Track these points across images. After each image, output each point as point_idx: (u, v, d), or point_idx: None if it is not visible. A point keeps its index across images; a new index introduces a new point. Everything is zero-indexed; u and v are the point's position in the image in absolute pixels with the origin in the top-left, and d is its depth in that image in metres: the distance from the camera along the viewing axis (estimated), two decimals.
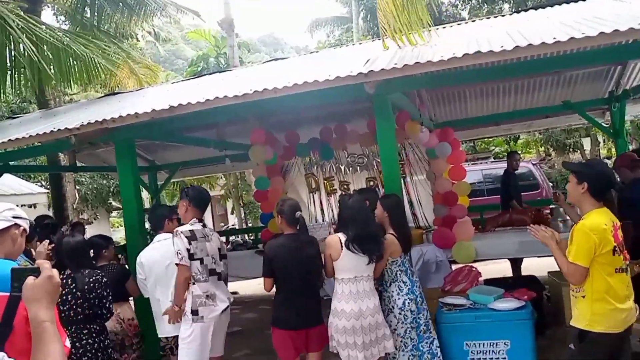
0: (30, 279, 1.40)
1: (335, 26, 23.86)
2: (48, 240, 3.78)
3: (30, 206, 13.07)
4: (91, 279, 3.40)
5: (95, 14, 9.08)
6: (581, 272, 2.66)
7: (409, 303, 3.50)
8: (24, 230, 2.03)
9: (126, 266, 4.32)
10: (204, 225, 3.76)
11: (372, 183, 7.06)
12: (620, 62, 6.18)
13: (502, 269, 7.16)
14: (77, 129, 4.01)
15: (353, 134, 6.41)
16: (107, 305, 3.46)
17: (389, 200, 3.70)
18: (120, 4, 9.15)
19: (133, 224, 4.53)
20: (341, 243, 3.35)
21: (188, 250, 3.53)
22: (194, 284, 3.59)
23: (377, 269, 3.48)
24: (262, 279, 3.54)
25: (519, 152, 19.96)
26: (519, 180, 7.38)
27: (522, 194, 7.34)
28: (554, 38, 3.05)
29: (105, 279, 3.50)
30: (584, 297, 2.71)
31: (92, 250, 3.98)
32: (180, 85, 6.55)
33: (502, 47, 3.14)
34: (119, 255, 5.22)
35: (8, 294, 1.60)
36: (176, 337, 3.69)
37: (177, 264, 3.54)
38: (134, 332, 4.02)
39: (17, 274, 1.45)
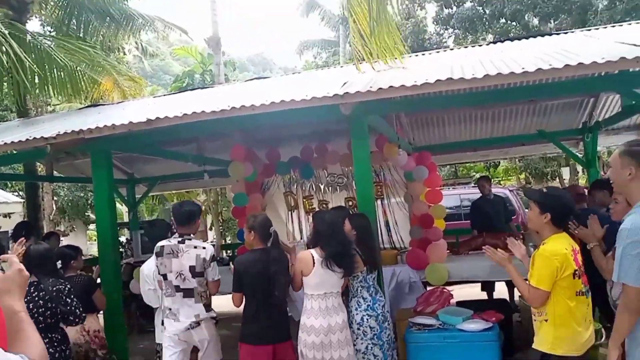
0: None
1: (322, 49, 24.25)
2: (24, 239, 3.75)
3: (5, 216, 12.86)
4: (54, 288, 3.36)
5: (82, 26, 9.12)
6: (542, 296, 2.73)
7: (367, 319, 3.53)
8: None
9: (95, 278, 4.29)
10: (183, 241, 3.71)
11: (350, 203, 7.10)
12: (592, 94, 6.41)
13: (477, 293, 7.22)
14: (54, 138, 4.01)
15: (334, 154, 6.48)
16: (74, 311, 3.39)
17: (358, 220, 3.76)
18: (108, 17, 9.22)
19: (106, 235, 4.49)
20: (313, 260, 3.38)
21: (157, 266, 3.71)
22: (163, 296, 3.71)
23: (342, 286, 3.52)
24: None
25: (499, 178, 20.41)
26: (496, 206, 7.47)
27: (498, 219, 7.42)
28: (522, 68, 3.18)
29: (69, 287, 3.46)
30: (546, 320, 2.77)
31: (60, 261, 3.94)
32: (161, 99, 6.58)
33: (472, 74, 3.26)
34: (93, 267, 5.18)
35: None
36: None
37: None
38: (99, 344, 3.97)
39: None
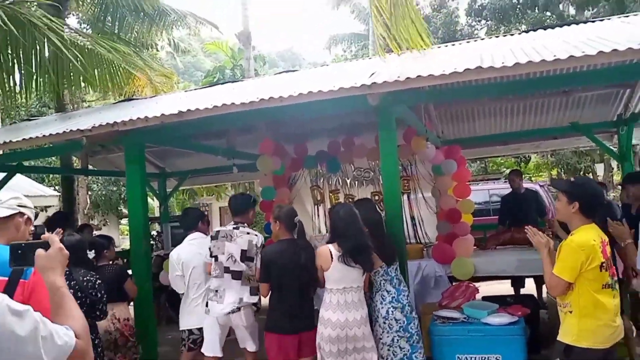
0: (40, 251, 1.48)
1: (352, 42, 24.11)
2: (61, 230, 3.89)
3: (42, 209, 13.32)
4: (85, 279, 3.42)
5: (117, 22, 9.34)
6: (562, 285, 2.70)
7: (392, 311, 3.53)
8: (28, 219, 2.11)
9: (125, 267, 4.44)
10: (237, 227, 3.98)
11: (377, 197, 7.09)
12: (629, 85, 6.21)
13: (506, 289, 7.11)
14: (89, 130, 4.13)
15: (361, 147, 6.47)
16: (100, 307, 3.45)
17: (367, 214, 3.69)
18: (142, 13, 9.40)
19: (138, 227, 4.58)
20: (331, 254, 3.40)
21: (209, 248, 3.95)
22: (211, 279, 3.93)
23: (364, 281, 3.53)
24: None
25: (530, 174, 19.98)
26: (527, 201, 7.31)
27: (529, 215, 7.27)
28: (554, 55, 3.10)
29: (99, 281, 3.51)
30: (571, 312, 2.73)
31: (94, 250, 4.07)
32: (193, 93, 6.70)
33: (502, 63, 3.21)
34: (124, 260, 5.32)
35: (7, 278, 1.68)
36: (191, 331, 4.13)
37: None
38: (129, 333, 4.08)
39: (26, 247, 1.51)
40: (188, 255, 4.22)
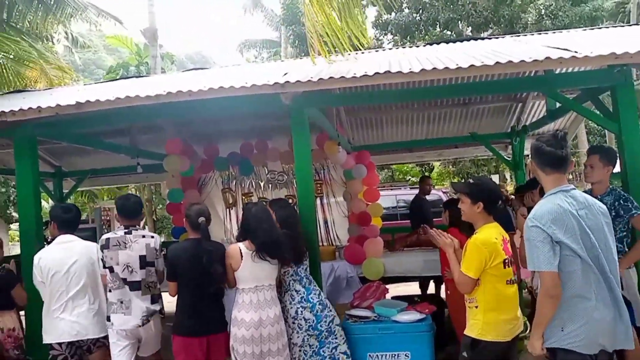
0: None
1: (264, 49, 24.07)
2: None
3: None
4: None
5: (5, 9, 8.53)
6: (470, 282, 2.83)
7: (301, 311, 3.54)
8: None
9: (13, 272, 3.97)
10: (129, 232, 3.62)
11: (290, 201, 7.08)
12: (520, 100, 6.79)
13: (412, 290, 7.41)
14: None
15: (274, 150, 6.44)
16: None
17: (279, 211, 3.71)
18: (35, 1, 8.67)
19: (30, 228, 4.21)
20: (241, 253, 3.35)
21: (102, 259, 3.57)
22: (110, 291, 3.54)
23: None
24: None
25: (433, 182, 21.14)
26: (433, 205, 7.75)
27: (433, 219, 7.70)
28: (457, 64, 3.30)
29: None
30: (476, 307, 2.86)
31: None
32: (93, 86, 6.27)
33: (410, 69, 3.35)
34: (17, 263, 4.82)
35: None
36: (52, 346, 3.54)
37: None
38: (13, 345, 3.71)
39: None
40: (50, 261, 3.62)
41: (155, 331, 3.66)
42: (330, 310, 3.70)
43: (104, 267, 3.55)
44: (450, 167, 19.32)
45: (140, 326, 3.50)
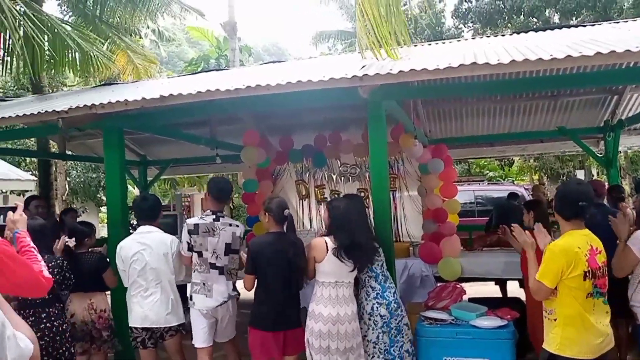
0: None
1: (338, 40, 23.94)
2: (22, 204, 3.69)
3: (19, 194, 12.95)
4: (51, 264, 3.28)
5: (98, 6, 9.04)
6: (545, 290, 2.63)
7: (377, 307, 3.46)
8: None
9: (105, 256, 4.21)
10: (217, 219, 3.73)
11: (363, 194, 7.00)
12: (616, 92, 6.22)
13: (489, 290, 7.09)
14: (65, 112, 3.94)
15: (347, 143, 6.38)
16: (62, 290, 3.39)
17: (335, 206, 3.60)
18: None
19: (116, 215, 4.43)
20: (327, 246, 3.31)
21: (188, 242, 3.70)
22: (194, 272, 3.71)
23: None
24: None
25: (513, 177, 20.16)
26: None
27: None
28: (551, 55, 3.03)
29: (65, 264, 3.48)
30: (555, 320, 2.66)
31: (74, 237, 3.88)
32: (175, 79, 6.51)
33: (498, 60, 3.13)
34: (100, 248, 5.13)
35: None
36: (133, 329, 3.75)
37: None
38: (103, 325, 3.91)
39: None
40: (128, 250, 3.79)
41: (232, 312, 3.79)
42: (402, 310, 3.61)
43: (188, 249, 3.71)
44: (532, 161, 18.23)
45: (219, 306, 3.66)
